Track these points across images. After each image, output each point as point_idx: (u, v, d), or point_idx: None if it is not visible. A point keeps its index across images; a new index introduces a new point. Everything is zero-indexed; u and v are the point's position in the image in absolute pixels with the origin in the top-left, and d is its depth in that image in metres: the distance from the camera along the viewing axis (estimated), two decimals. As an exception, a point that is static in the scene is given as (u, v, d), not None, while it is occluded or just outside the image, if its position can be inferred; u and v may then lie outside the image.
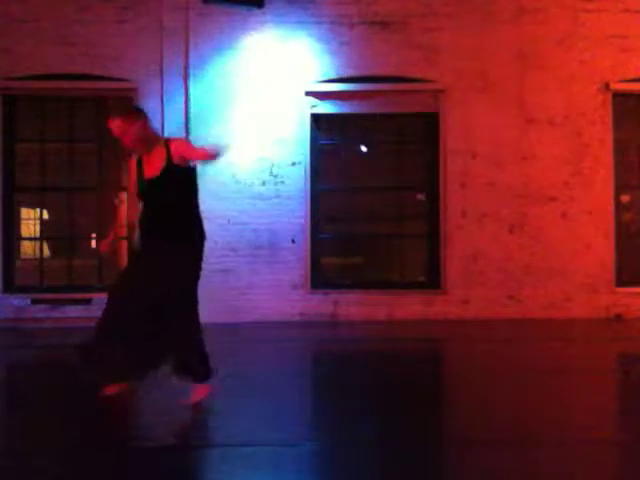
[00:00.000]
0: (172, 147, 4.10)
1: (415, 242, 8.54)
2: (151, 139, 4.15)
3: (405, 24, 8.18)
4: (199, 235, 4.44)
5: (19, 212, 8.49)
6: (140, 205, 4.23)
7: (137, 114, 4.18)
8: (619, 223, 8.34)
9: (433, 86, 8.20)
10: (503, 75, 8.18)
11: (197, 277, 4.44)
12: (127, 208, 7.23)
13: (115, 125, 4.05)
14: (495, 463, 3.10)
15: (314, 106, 8.15)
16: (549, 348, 6.30)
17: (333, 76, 8.20)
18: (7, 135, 8.13)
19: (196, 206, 4.40)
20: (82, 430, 3.69)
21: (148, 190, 4.15)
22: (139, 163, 4.20)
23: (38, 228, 8.54)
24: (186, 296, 4.31)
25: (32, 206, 8.77)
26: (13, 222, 8.27)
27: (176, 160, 4.07)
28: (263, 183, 8.02)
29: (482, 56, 8.18)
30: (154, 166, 4.11)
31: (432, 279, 8.32)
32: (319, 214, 8.27)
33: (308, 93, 8.14)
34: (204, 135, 8.06)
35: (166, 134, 8.01)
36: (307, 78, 8.16)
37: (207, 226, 7.97)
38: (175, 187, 4.14)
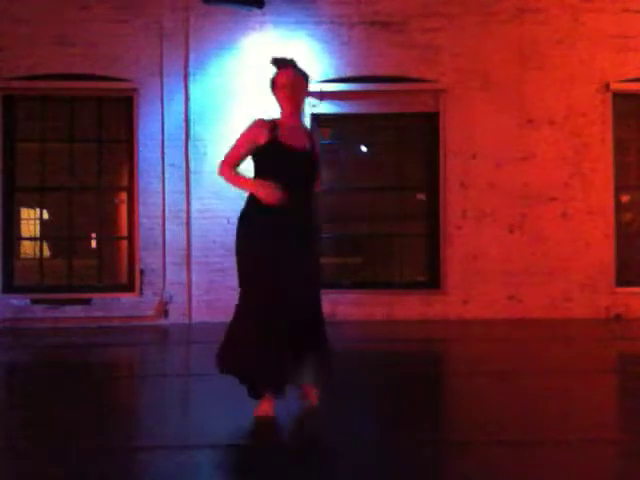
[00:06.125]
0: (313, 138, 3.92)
1: (415, 242, 8.54)
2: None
3: (405, 24, 8.18)
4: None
5: (19, 212, 8.49)
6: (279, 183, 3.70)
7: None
8: (619, 223, 8.35)
9: (433, 86, 8.21)
10: (503, 75, 8.18)
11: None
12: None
13: (292, 77, 3.82)
14: (495, 463, 3.10)
15: (314, 106, 8.15)
16: (549, 348, 6.29)
17: (333, 76, 8.20)
18: (7, 135, 8.13)
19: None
20: (82, 430, 3.69)
21: (301, 165, 3.80)
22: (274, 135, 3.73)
23: (38, 228, 8.54)
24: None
25: (32, 206, 8.77)
26: (13, 222, 8.27)
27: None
28: (263, 183, 8.01)
29: (482, 56, 8.18)
30: (301, 140, 3.82)
31: (432, 279, 8.32)
32: (318, 214, 8.25)
33: (308, 93, 8.13)
34: (204, 135, 8.08)
35: (166, 134, 8.05)
36: (307, 78, 8.15)
37: (207, 226, 8.10)
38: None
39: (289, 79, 3.82)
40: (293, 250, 3.71)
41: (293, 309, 3.66)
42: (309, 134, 3.93)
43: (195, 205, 8.03)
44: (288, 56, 3.95)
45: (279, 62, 3.90)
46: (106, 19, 8.03)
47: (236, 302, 3.76)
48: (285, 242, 3.70)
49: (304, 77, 3.91)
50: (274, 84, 3.87)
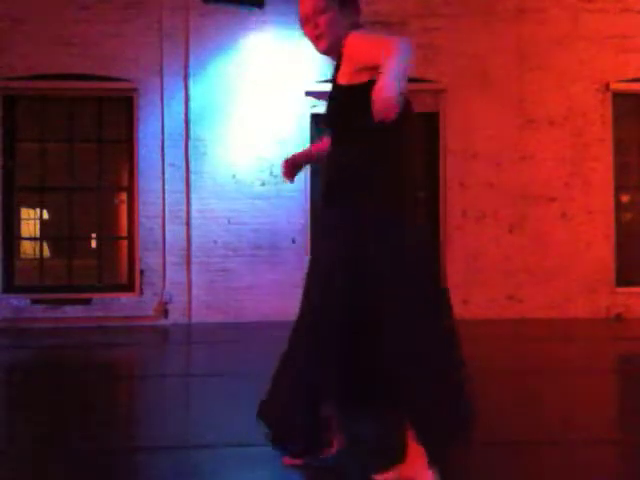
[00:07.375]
0: (345, 48, 2.78)
1: (415, 242, 8.53)
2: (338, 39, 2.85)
3: (405, 24, 8.17)
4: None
5: (19, 212, 8.49)
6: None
7: None
8: (619, 223, 8.35)
9: (433, 86, 8.20)
10: (503, 75, 8.18)
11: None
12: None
13: (313, 3, 2.77)
14: (495, 463, 3.10)
15: (314, 106, 8.15)
16: (549, 348, 6.29)
17: (333, 76, 8.20)
18: (7, 135, 8.13)
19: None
20: (82, 430, 3.69)
21: (328, 113, 2.84)
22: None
23: (38, 228, 8.54)
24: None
25: (32, 206, 8.77)
26: (13, 222, 8.27)
27: (347, 73, 2.75)
28: (263, 183, 8.01)
29: (482, 56, 8.18)
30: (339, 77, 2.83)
31: (432, 279, 8.30)
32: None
33: (308, 93, 8.13)
34: (204, 135, 8.08)
35: (166, 134, 8.04)
36: (307, 78, 8.15)
37: (207, 226, 8.10)
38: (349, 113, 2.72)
39: (310, 6, 2.80)
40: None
41: None
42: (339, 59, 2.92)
43: (195, 205, 8.03)
44: None
45: None
46: (106, 19, 8.03)
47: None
48: None
49: None
50: (300, 22, 2.91)
